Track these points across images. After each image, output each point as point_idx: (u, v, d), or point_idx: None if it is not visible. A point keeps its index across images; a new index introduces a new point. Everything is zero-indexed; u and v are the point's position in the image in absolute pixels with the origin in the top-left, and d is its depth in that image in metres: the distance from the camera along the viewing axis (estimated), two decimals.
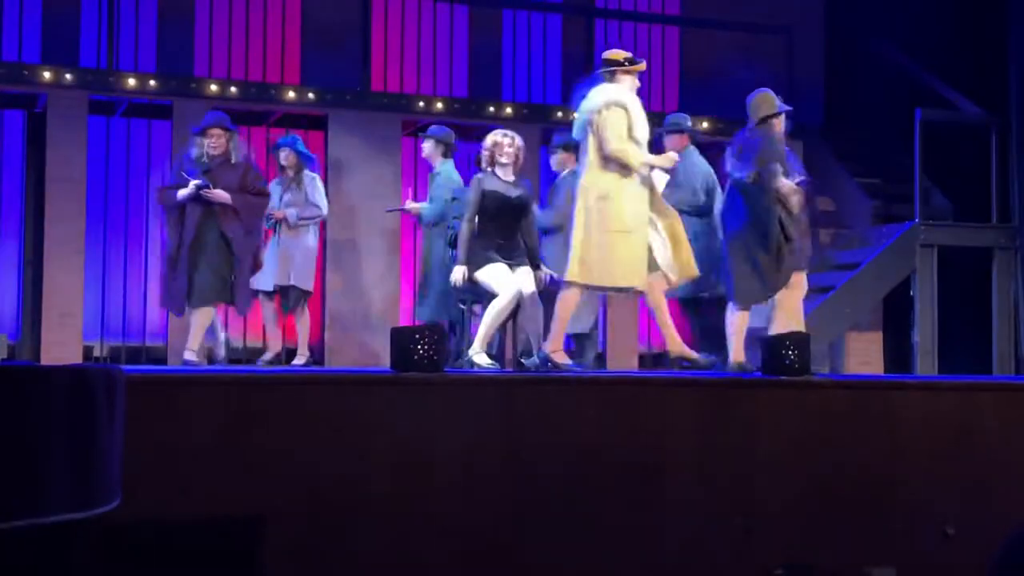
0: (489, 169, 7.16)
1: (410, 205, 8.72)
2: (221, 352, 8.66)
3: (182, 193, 7.70)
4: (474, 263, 7.02)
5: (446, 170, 8.56)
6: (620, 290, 6.91)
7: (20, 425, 3.36)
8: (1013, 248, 10.39)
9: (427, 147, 8.65)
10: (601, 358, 10.48)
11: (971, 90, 10.73)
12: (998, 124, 10.54)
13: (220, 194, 7.73)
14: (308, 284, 8.67)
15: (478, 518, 5.28)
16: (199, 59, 10.15)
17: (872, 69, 11.45)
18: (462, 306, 7.65)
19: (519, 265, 7.07)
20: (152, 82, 9.37)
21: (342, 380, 5.49)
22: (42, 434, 3.40)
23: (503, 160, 7.13)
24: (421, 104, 10.10)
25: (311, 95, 9.80)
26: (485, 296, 7.09)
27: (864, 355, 10.58)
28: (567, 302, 6.75)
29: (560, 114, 10.42)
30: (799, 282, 7.19)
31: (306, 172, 8.73)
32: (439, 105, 10.16)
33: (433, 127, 8.82)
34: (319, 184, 8.80)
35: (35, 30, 9.82)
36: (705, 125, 10.62)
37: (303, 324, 8.75)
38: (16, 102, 9.51)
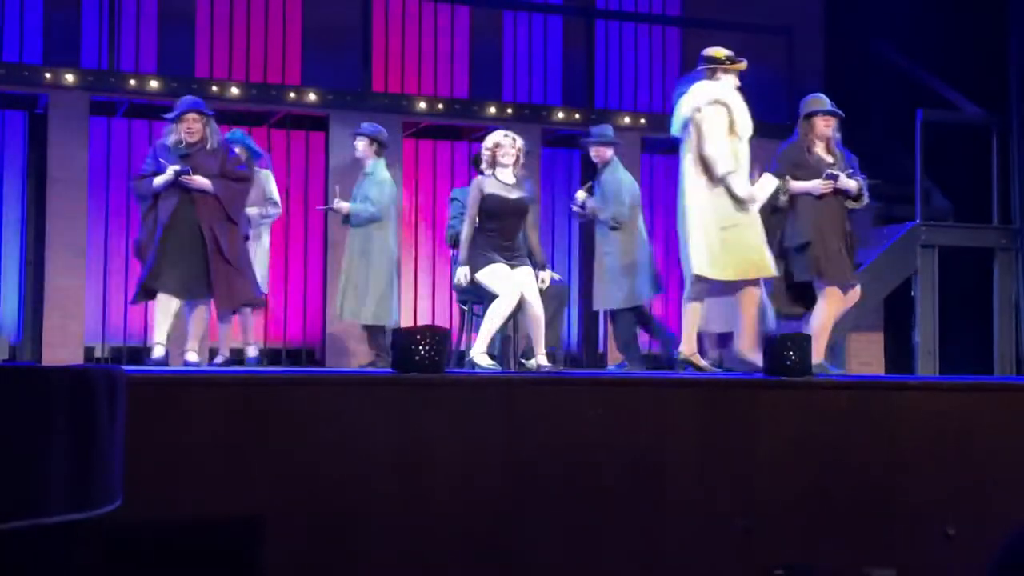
0: (489, 170, 7.16)
1: (338, 204, 8.63)
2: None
3: (159, 180, 7.36)
4: (475, 264, 7.02)
5: (378, 169, 8.57)
6: (752, 283, 6.93)
7: (21, 426, 3.36)
8: (1014, 249, 10.40)
9: (361, 146, 8.62)
10: (602, 358, 10.49)
11: (972, 90, 10.73)
12: (999, 125, 10.55)
13: (200, 180, 7.38)
14: (266, 285, 8.64)
15: (478, 519, 5.28)
16: (200, 60, 10.16)
17: (873, 70, 11.46)
18: (463, 307, 7.65)
19: (520, 265, 7.07)
20: (153, 83, 9.38)
21: (343, 381, 5.49)
22: (43, 435, 3.41)
23: (504, 161, 7.13)
24: (422, 105, 10.11)
25: (312, 96, 9.81)
26: (486, 297, 7.09)
27: (865, 356, 10.60)
28: (752, 299, 6.88)
29: (561, 115, 10.44)
30: (828, 294, 7.14)
31: (258, 169, 8.55)
32: (440, 106, 10.17)
33: (366, 125, 8.78)
34: (273, 180, 8.69)
35: (36, 31, 9.84)
36: None
37: (250, 320, 8.65)
38: (17, 103, 9.52)
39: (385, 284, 8.52)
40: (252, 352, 8.59)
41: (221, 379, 5.28)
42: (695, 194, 6.76)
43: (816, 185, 7.16)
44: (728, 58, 6.94)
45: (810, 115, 7.33)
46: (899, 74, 11.10)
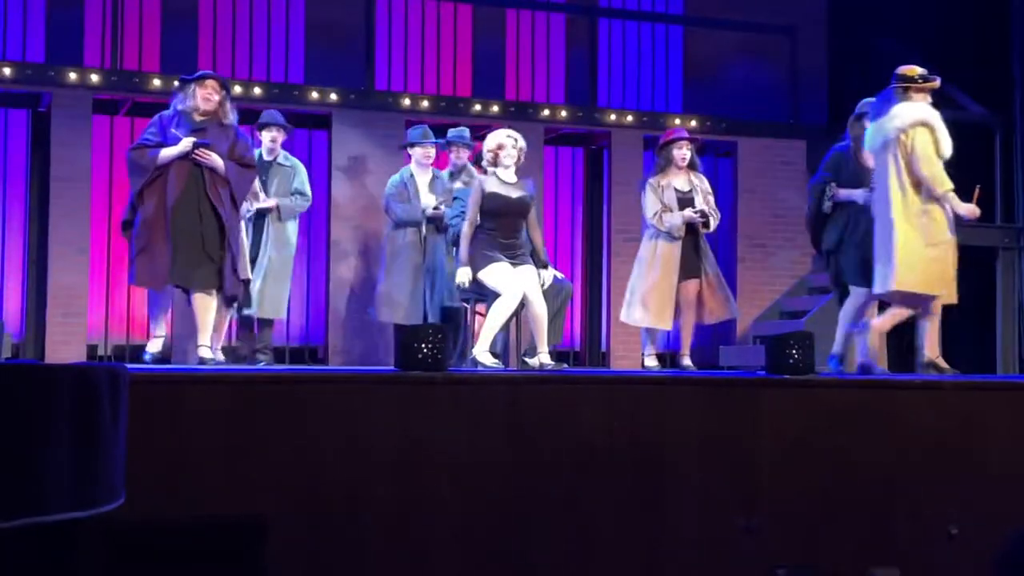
0: (491, 169, 7.16)
1: (266, 202, 8.25)
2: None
3: (172, 151, 6.82)
4: (477, 263, 7.02)
5: (294, 160, 8.48)
6: (931, 299, 7.12)
7: (24, 424, 3.37)
8: (1017, 248, 10.39)
9: (268, 137, 8.30)
10: (605, 357, 10.49)
11: (975, 89, 10.72)
12: (1002, 123, 10.53)
13: (215, 158, 6.88)
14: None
15: (481, 517, 5.28)
16: (203, 58, 10.16)
17: (876, 68, 11.43)
18: (465, 305, 7.65)
19: (522, 264, 7.07)
20: (156, 81, 9.37)
21: (346, 379, 5.49)
22: (46, 433, 3.41)
23: (506, 161, 7.14)
24: (425, 103, 10.10)
25: (315, 94, 9.80)
26: (489, 295, 7.09)
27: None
28: (939, 309, 7.14)
29: (564, 113, 10.43)
30: (854, 294, 7.35)
31: None
32: (442, 104, 10.16)
33: (274, 113, 8.46)
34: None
35: (39, 29, 9.84)
36: (708, 124, 10.64)
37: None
38: (21, 101, 9.52)
39: (288, 277, 8.49)
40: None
41: (224, 377, 5.28)
42: (902, 213, 6.89)
43: (861, 194, 7.29)
44: (921, 76, 7.04)
45: (861, 116, 7.38)
46: None
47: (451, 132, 8.83)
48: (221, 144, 6.96)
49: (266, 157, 8.37)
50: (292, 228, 8.41)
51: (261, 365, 8.19)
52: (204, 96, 6.98)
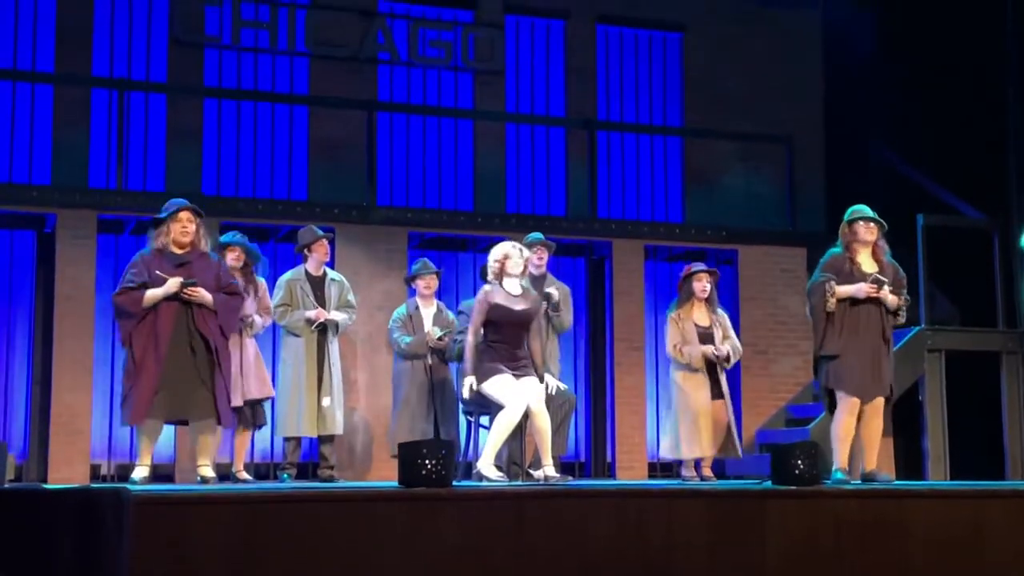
0: (496, 281, 7.18)
1: (334, 316, 8.33)
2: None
3: (158, 293, 6.81)
4: (481, 375, 7.01)
5: (338, 275, 8.56)
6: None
7: (29, 549, 3.36)
8: (1021, 352, 10.38)
9: (322, 251, 8.38)
10: (610, 468, 10.43)
11: (972, 192, 10.81)
12: (1000, 227, 10.60)
13: (204, 294, 6.89)
14: (266, 389, 8.22)
15: None
16: (207, 177, 10.27)
17: (873, 175, 11.57)
18: (469, 418, 7.63)
19: (526, 376, 7.06)
20: (161, 200, 9.46)
21: (351, 497, 5.46)
22: (50, 557, 3.40)
23: (512, 271, 7.16)
24: (427, 217, 10.19)
25: (318, 210, 9.88)
26: (493, 408, 7.08)
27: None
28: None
29: (564, 226, 10.51)
30: (844, 403, 7.33)
31: (259, 279, 8.30)
32: (444, 218, 10.25)
33: (313, 229, 8.49)
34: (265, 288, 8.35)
35: (45, 152, 9.96)
36: (708, 233, 10.71)
37: (247, 438, 8.32)
38: (26, 223, 9.60)
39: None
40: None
41: (229, 497, 5.26)
42: None
43: (861, 288, 7.32)
44: None
45: (852, 221, 7.46)
46: (900, 179, 11.19)
47: (528, 236, 8.38)
48: (207, 277, 6.96)
49: (314, 272, 8.45)
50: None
51: (287, 481, 8.17)
52: (180, 230, 7.00)
